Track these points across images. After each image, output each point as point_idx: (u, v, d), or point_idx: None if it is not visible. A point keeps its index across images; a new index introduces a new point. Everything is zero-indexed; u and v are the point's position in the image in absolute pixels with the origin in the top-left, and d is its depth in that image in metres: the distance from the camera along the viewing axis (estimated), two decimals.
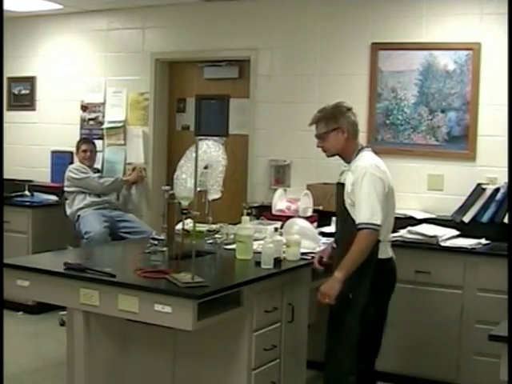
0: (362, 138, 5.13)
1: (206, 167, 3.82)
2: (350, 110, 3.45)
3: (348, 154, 3.43)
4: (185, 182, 3.44)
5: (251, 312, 3.29)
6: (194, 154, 3.16)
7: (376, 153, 3.54)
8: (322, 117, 3.44)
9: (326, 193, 5.00)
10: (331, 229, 4.60)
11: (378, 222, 3.18)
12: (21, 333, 5.33)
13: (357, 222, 3.21)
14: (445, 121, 4.95)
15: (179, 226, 3.70)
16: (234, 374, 3.32)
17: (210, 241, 4.13)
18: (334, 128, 3.39)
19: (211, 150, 3.71)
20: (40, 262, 3.64)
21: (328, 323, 3.44)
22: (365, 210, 3.19)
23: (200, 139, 3.47)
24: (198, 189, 3.18)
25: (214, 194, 3.89)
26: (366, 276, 3.29)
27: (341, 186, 3.40)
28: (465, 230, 4.59)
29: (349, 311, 3.33)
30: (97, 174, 5.83)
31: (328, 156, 3.51)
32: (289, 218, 4.29)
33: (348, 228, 3.31)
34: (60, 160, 6.38)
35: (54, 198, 6.19)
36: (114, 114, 6.25)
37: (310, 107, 5.37)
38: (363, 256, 3.22)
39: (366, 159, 3.36)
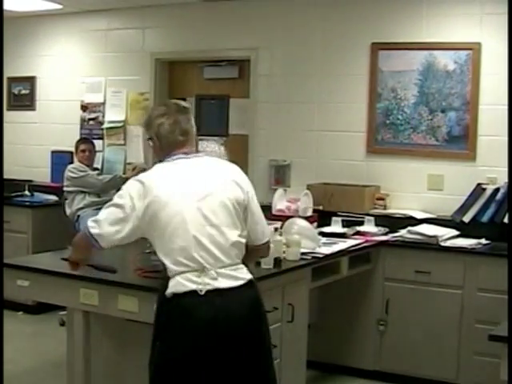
0: (362, 138, 5.17)
1: None
2: (163, 115, 2.81)
3: None
4: None
5: None
6: None
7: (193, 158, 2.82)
8: (143, 123, 2.95)
9: (325, 193, 5.01)
10: (331, 229, 4.62)
11: (93, 231, 2.68)
12: (21, 333, 5.33)
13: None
14: (445, 121, 4.95)
15: None
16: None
17: None
18: (148, 138, 2.87)
19: (211, 148, 3.71)
20: (40, 261, 3.64)
21: None
22: (98, 217, 2.71)
23: (200, 139, 3.47)
24: None
25: None
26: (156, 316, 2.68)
27: None
28: (465, 230, 4.59)
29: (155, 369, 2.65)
30: (95, 172, 5.84)
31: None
32: (289, 218, 4.29)
33: None
34: (60, 160, 6.38)
35: (54, 197, 6.20)
36: (113, 113, 6.25)
37: (310, 107, 5.42)
38: (74, 249, 2.91)
39: (142, 173, 2.78)
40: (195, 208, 2.61)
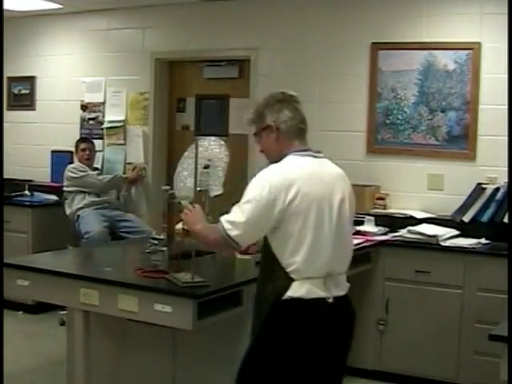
0: (362, 138, 5.17)
1: (205, 167, 3.82)
2: (282, 101, 2.65)
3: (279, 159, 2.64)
4: (185, 178, 3.44)
5: (251, 312, 3.28)
6: (195, 153, 3.15)
7: (316, 157, 2.64)
8: (253, 113, 2.74)
9: None
10: None
11: (233, 234, 2.50)
12: (21, 332, 5.33)
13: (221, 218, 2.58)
14: (445, 120, 4.95)
15: (179, 226, 3.70)
16: (233, 373, 3.31)
17: None
18: (264, 127, 2.66)
19: (212, 147, 3.69)
20: (40, 261, 3.64)
21: None
22: (232, 213, 2.54)
23: (199, 139, 3.46)
24: (198, 188, 3.17)
25: (216, 191, 3.88)
26: (262, 315, 2.56)
27: None
28: (465, 230, 4.59)
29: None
30: (95, 172, 5.85)
31: (271, 163, 2.66)
32: None
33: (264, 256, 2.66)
34: (60, 160, 6.38)
35: (53, 197, 6.20)
36: (113, 113, 6.25)
37: (310, 107, 5.36)
38: (200, 240, 2.76)
39: (281, 163, 2.57)
40: (336, 213, 2.55)
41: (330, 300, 2.53)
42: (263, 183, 2.49)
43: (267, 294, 2.56)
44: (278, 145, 2.63)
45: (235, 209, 2.55)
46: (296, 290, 2.49)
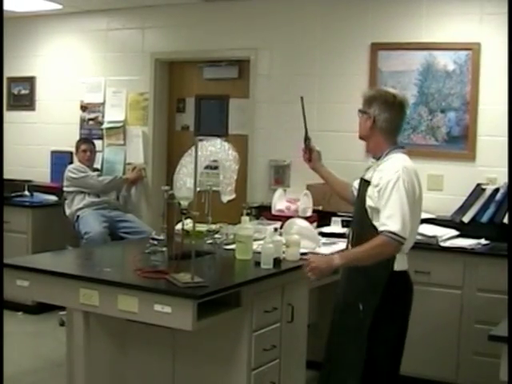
0: None
1: (206, 167, 3.82)
2: (391, 103, 3.13)
3: (372, 148, 3.21)
4: (185, 177, 3.44)
5: (251, 312, 3.28)
6: (200, 153, 3.15)
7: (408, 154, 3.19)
8: (368, 95, 3.21)
9: (325, 193, 5.00)
10: (331, 229, 4.62)
11: (406, 236, 2.95)
12: (21, 333, 5.33)
13: (383, 228, 2.95)
14: (444, 121, 4.95)
15: (179, 226, 3.70)
16: (233, 374, 3.32)
17: (210, 241, 4.12)
18: (364, 111, 3.17)
19: (220, 150, 3.69)
20: (40, 261, 3.64)
21: (330, 337, 3.30)
22: (397, 220, 2.94)
23: (200, 139, 3.46)
24: (198, 189, 3.18)
25: (228, 196, 3.88)
26: (379, 288, 3.05)
27: (366, 183, 3.13)
28: (464, 230, 4.59)
29: (358, 325, 3.12)
30: (96, 173, 5.85)
31: (359, 137, 3.26)
32: (288, 218, 4.29)
33: (366, 232, 3.06)
34: (60, 160, 6.38)
35: (53, 198, 6.20)
36: (113, 114, 6.25)
37: (310, 107, 5.38)
38: (369, 261, 3.00)
39: (399, 162, 3.06)
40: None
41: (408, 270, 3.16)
42: (400, 181, 2.98)
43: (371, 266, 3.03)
44: (369, 131, 3.16)
45: (393, 214, 2.95)
46: (399, 263, 3.06)
